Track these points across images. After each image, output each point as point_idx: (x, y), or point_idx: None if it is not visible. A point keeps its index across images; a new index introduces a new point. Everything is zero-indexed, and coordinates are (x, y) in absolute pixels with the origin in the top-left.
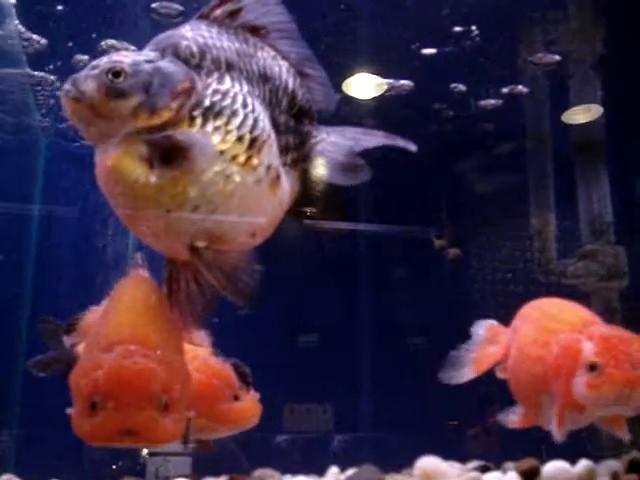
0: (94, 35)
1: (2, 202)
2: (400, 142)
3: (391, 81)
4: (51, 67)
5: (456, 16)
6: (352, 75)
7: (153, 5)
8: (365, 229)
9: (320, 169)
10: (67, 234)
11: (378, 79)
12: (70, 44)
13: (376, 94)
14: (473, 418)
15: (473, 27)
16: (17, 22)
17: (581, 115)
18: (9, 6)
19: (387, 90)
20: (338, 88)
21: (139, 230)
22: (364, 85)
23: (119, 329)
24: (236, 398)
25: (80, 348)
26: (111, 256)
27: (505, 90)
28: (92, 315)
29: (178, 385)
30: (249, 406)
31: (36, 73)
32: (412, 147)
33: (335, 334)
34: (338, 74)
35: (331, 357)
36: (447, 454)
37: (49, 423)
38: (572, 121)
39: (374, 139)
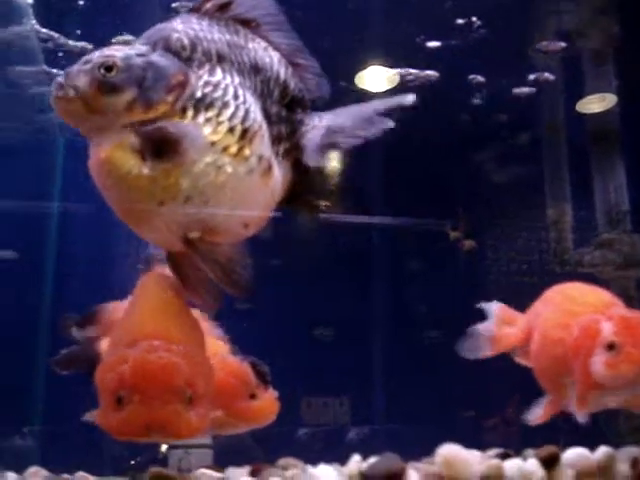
0: (112, 32)
1: (22, 200)
2: (395, 101)
3: (416, 71)
4: (68, 64)
5: (468, 6)
6: (365, 68)
7: (174, 5)
8: (380, 221)
9: (311, 156)
10: (86, 231)
11: (391, 71)
12: (86, 42)
13: (389, 87)
14: (491, 409)
15: (485, 17)
16: (34, 21)
17: (596, 104)
18: (26, 6)
19: (411, 81)
20: (351, 81)
21: (133, 223)
22: (377, 78)
23: (143, 325)
24: (253, 396)
25: (102, 345)
26: (130, 253)
27: (532, 77)
28: (114, 310)
29: (202, 379)
30: (266, 404)
31: (53, 70)
32: (409, 98)
33: (351, 327)
34: (351, 67)
35: (347, 350)
36: (465, 445)
37: (71, 419)
38: (586, 110)
39: (368, 108)
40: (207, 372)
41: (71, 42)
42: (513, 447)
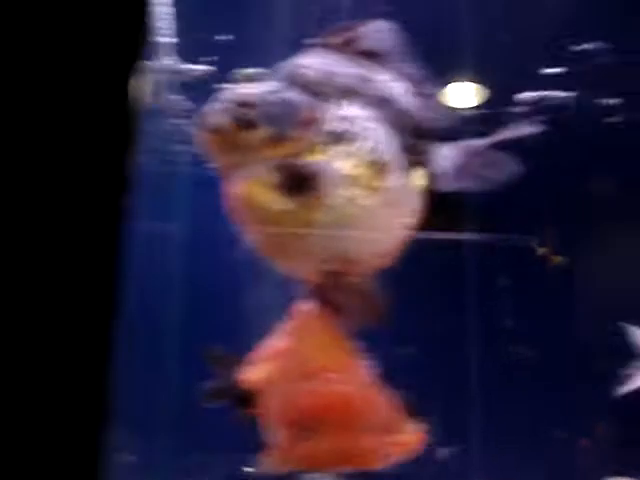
0: (242, 66)
1: (149, 224)
2: (521, 131)
3: (545, 93)
4: (201, 98)
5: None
6: (455, 83)
7: (308, 41)
8: (470, 238)
9: (442, 184)
10: (215, 259)
11: (478, 87)
12: (220, 77)
13: (477, 102)
14: (581, 429)
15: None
16: (174, 57)
17: None
18: (167, 43)
19: (546, 102)
20: (438, 97)
21: (273, 255)
22: (464, 93)
23: (313, 358)
24: (399, 429)
25: (246, 377)
26: (256, 280)
27: None
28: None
29: (375, 408)
30: (412, 437)
31: (184, 103)
32: (533, 129)
33: (440, 345)
34: (440, 83)
35: (436, 368)
36: (557, 467)
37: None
38: None
39: (493, 141)
40: (375, 400)
41: (203, 73)
42: (608, 469)
